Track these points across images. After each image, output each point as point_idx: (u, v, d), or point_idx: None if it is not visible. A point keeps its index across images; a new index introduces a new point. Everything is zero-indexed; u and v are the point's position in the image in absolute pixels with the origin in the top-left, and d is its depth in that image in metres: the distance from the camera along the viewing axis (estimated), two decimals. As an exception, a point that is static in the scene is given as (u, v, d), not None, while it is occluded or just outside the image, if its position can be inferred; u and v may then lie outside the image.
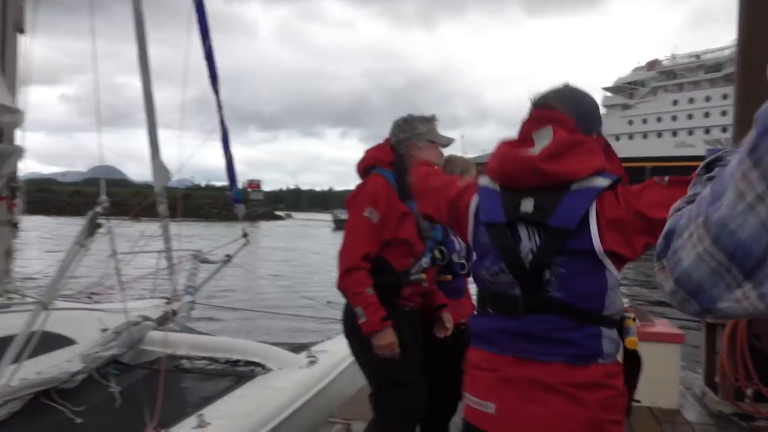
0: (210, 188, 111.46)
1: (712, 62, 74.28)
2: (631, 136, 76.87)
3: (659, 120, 74.86)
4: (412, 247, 2.62)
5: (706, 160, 0.80)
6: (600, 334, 1.49)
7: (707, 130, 70.67)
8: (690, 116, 72.37)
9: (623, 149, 75.19)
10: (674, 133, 73.26)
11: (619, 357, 1.60)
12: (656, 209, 1.41)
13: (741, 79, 5.01)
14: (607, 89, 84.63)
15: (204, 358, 4.16)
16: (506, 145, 1.61)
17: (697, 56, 77.41)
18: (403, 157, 2.66)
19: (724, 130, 69.28)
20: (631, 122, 77.34)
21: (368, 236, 2.50)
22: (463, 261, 3.15)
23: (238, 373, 3.96)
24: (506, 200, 1.55)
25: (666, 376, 4.62)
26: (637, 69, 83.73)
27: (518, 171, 1.54)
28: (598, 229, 1.45)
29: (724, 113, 69.60)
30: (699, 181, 0.78)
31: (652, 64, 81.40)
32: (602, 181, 1.48)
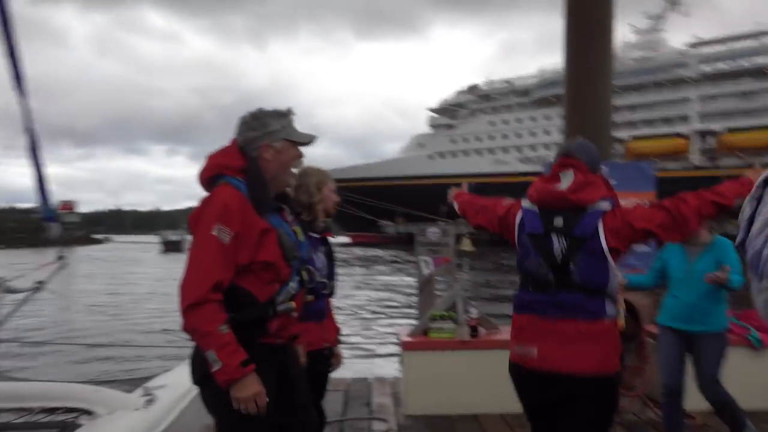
0: (14, 210, 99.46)
1: (521, 88, 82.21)
2: (454, 154, 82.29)
3: (479, 139, 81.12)
4: (277, 271, 2.16)
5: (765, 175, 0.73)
6: (604, 303, 2.26)
7: (519, 149, 77.91)
8: (505, 136, 79.29)
9: (448, 166, 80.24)
10: (492, 152, 79.78)
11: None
12: (641, 222, 2.24)
13: (569, 99, 5.43)
14: (433, 110, 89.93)
15: (12, 409, 3.47)
16: (541, 181, 2.40)
17: (509, 82, 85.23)
18: (256, 162, 2.18)
19: (533, 149, 76.97)
20: (454, 141, 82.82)
21: (219, 261, 2.00)
22: (324, 280, 2.95)
23: (57, 424, 3.34)
24: (543, 217, 2.34)
25: (513, 381, 4.79)
26: (459, 92, 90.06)
27: (552, 199, 2.32)
28: (604, 236, 2.22)
29: (533, 134, 77.36)
30: None
31: (472, 89, 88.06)
32: (606, 205, 2.28)
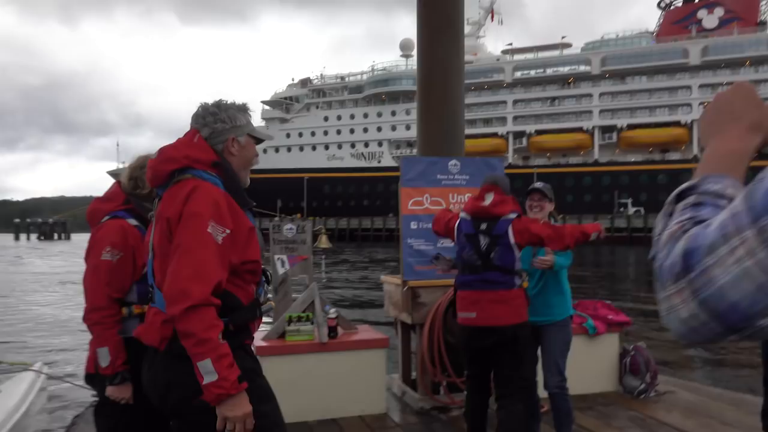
0: None
1: (354, 84, 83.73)
2: (289, 149, 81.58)
3: (313, 134, 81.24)
4: (258, 271, 2.04)
5: (679, 189, 0.82)
6: (513, 278, 3.40)
7: (353, 145, 79.37)
8: (338, 132, 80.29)
9: (283, 161, 79.41)
10: (326, 147, 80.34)
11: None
12: (536, 230, 3.35)
13: (421, 99, 5.43)
14: (265, 102, 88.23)
15: None
16: (473, 200, 3.57)
17: (342, 78, 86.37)
18: (224, 156, 2.05)
19: (366, 145, 78.78)
20: (288, 135, 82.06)
21: (216, 261, 1.84)
22: None
23: None
24: (474, 223, 3.47)
25: (373, 381, 4.67)
26: (291, 85, 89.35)
27: (480, 211, 3.46)
28: (512, 235, 3.36)
29: (365, 130, 79.17)
30: (686, 207, 0.78)
31: (305, 82, 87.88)
32: (513, 215, 3.42)
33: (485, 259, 3.40)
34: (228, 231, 1.89)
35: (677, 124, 67.72)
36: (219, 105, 2.10)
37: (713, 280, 0.66)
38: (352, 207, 73.22)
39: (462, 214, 3.57)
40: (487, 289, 3.38)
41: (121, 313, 2.45)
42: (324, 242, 4.94)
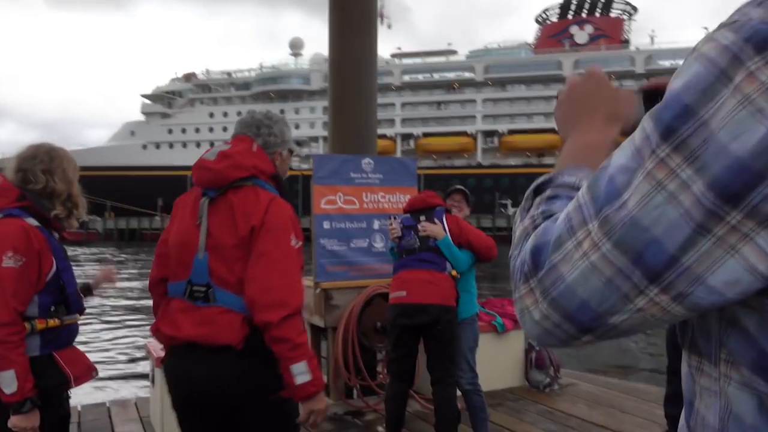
0: None
1: (241, 81, 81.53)
2: (171, 145, 77.89)
3: (197, 131, 78.09)
4: None
5: (536, 183, 0.76)
6: (445, 262, 3.65)
7: (240, 143, 77.19)
8: (224, 129, 77.56)
9: (164, 157, 75.70)
10: (211, 144, 75.57)
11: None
12: (476, 231, 3.81)
13: (334, 94, 5.27)
14: (145, 96, 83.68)
15: None
16: (409, 201, 4.06)
17: (229, 74, 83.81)
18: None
19: (254, 143, 76.91)
20: (170, 131, 78.39)
21: (300, 272, 2.04)
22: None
23: None
24: (414, 216, 3.79)
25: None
26: (174, 79, 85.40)
27: (417, 203, 3.85)
28: (447, 223, 3.73)
29: (253, 128, 77.23)
30: (541, 201, 0.72)
31: (189, 77, 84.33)
32: (442, 209, 3.81)
33: (422, 241, 3.64)
34: (301, 243, 2.04)
35: (553, 131, 72.17)
36: (271, 117, 2.22)
37: (561, 278, 0.60)
38: (239, 207, 71.20)
39: (402, 217, 3.87)
40: (420, 268, 3.59)
41: (25, 329, 2.07)
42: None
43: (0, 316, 2.01)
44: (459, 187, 4.09)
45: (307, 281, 4.84)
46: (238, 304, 1.93)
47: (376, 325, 4.58)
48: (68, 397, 2.32)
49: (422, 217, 3.69)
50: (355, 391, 4.71)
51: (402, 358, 3.64)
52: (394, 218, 3.90)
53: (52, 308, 2.16)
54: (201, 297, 1.97)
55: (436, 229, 3.65)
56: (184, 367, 1.99)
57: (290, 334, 1.87)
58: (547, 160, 71.88)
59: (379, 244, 4.92)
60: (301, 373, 1.88)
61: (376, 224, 4.92)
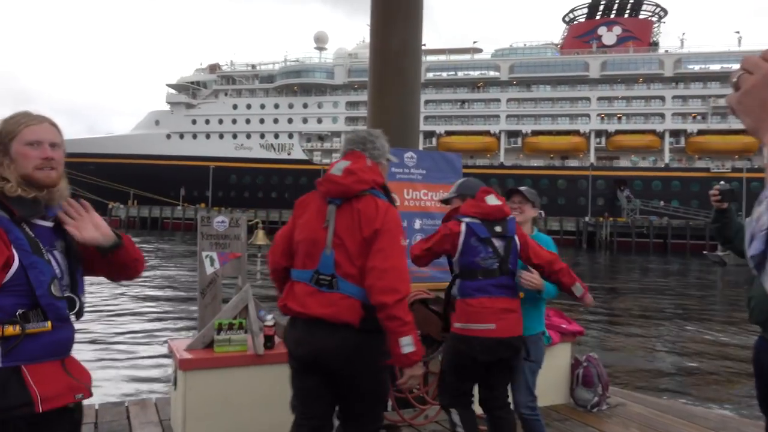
0: None
1: (265, 73, 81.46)
2: (195, 136, 78.13)
3: (221, 122, 78.22)
4: None
5: None
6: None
7: (262, 135, 77.25)
8: (248, 121, 77.81)
9: (188, 148, 76.06)
10: (234, 136, 77.58)
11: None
12: (538, 246, 3.35)
13: (375, 82, 4.93)
14: (170, 86, 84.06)
15: None
16: (474, 203, 3.29)
17: (253, 66, 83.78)
18: None
19: (276, 136, 77.03)
20: (194, 121, 78.62)
21: (406, 265, 2.55)
22: (69, 294, 1.89)
23: None
24: (487, 226, 3.21)
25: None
26: (199, 70, 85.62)
27: (493, 212, 3.23)
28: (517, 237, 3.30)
29: (276, 121, 77.34)
30: None
31: (213, 68, 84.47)
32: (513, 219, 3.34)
33: (503, 263, 3.15)
34: (405, 243, 2.54)
35: (577, 133, 71.18)
36: (372, 134, 2.73)
37: None
38: (259, 199, 71.23)
39: (467, 219, 3.21)
40: (501, 296, 3.14)
41: None
42: (261, 238, 4.28)
43: None
44: (518, 188, 3.70)
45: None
46: (357, 291, 2.44)
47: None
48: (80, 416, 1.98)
49: (497, 227, 3.18)
50: (390, 403, 4.36)
51: (470, 390, 3.36)
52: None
53: (19, 313, 1.75)
54: (326, 284, 2.48)
55: (538, 283, 3.29)
56: (312, 337, 2.48)
57: (400, 313, 2.36)
58: (571, 163, 70.88)
59: (419, 246, 4.56)
60: (407, 344, 2.36)
61: (417, 224, 4.55)
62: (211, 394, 3.86)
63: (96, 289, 16.39)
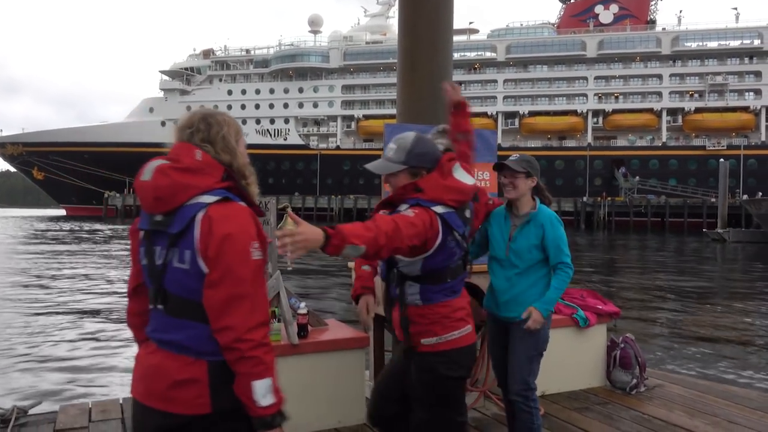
0: None
1: (260, 58, 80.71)
2: (189, 122, 77.57)
3: (216, 108, 77.11)
4: None
5: None
6: None
7: (258, 121, 76.73)
8: (243, 107, 77.27)
9: (182, 134, 75.46)
10: (230, 122, 76.98)
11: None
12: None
13: (405, 55, 4.74)
14: (164, 72, 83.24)
15: None
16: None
17: (247, 51, 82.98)
18: None
19: (272, 121, 76.48)
20: (189, 108, 77.77)
21: None
22: None
23: None
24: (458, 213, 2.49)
25: (351, 388, 3.96)
26: (192, 56, 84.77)
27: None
28: None
29: (271, 106, 76.79)
30: None
31: (207, 53, 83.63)
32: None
33: (466, 254, 2.59)
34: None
35: (574, 113, 70.88)
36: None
37: None
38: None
39: (440, 210, 2.35)
40: (463, 287, 2.62)
41: None
42: (290, 224, 4.06)
43: None
44: (504, 161, 3.15)
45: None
46: None
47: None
48: None
49: (467, 213, 2.55)
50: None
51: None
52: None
53: None
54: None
55: (537, 321, 2.95)
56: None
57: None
58: (569, 143, 70.65)
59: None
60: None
61: (450, 205, 4.38)
62: (245, 386, 3.70)
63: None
